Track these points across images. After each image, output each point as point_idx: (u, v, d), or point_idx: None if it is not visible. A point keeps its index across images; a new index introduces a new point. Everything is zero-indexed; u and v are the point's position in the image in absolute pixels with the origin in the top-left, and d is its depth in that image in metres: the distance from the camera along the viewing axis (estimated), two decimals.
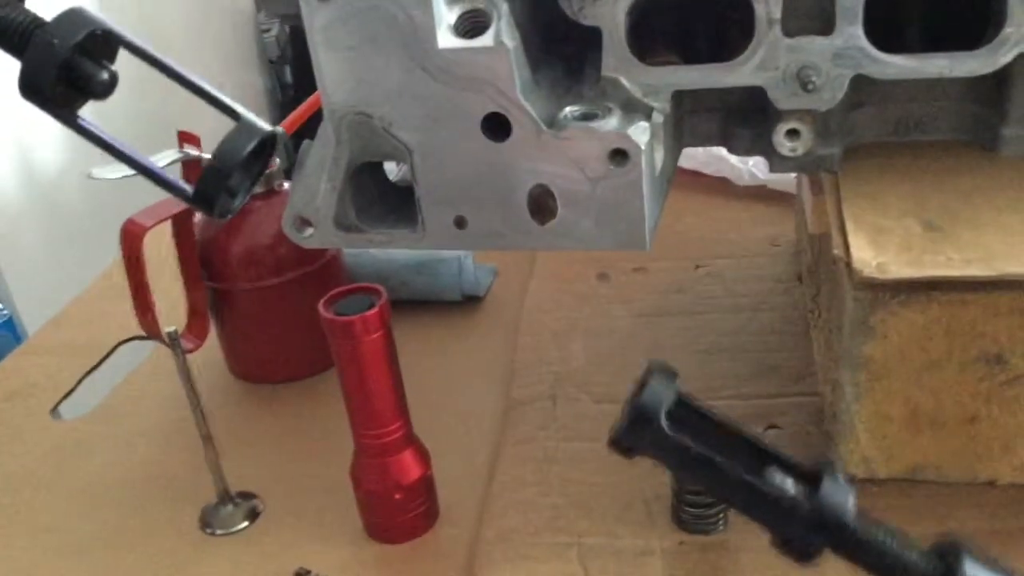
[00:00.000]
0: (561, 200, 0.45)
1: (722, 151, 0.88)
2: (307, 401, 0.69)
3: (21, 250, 1.53)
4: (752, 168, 0.86)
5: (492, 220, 0.47)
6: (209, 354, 0.71)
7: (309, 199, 0.48)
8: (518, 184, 0.45)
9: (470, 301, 0.78)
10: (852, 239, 0.44)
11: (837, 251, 0.45)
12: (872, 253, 0.44)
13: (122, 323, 0.64)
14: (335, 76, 0.44)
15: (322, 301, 0.51)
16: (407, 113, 0.44)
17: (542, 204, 0.46)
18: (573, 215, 0.45)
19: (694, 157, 0.88)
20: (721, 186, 0.88)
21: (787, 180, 0.84)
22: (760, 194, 0.86)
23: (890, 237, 0.45)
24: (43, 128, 1.47)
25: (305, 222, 0.48)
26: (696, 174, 0.89)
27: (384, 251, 0.79)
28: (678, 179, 0.90)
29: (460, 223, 0.47)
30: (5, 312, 1.36)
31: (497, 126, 0.44)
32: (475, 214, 0.47)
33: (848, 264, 0.44)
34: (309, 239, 0.48)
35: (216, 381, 0.72)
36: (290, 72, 2.48)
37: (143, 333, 0.65)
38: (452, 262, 0.77)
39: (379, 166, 0.49)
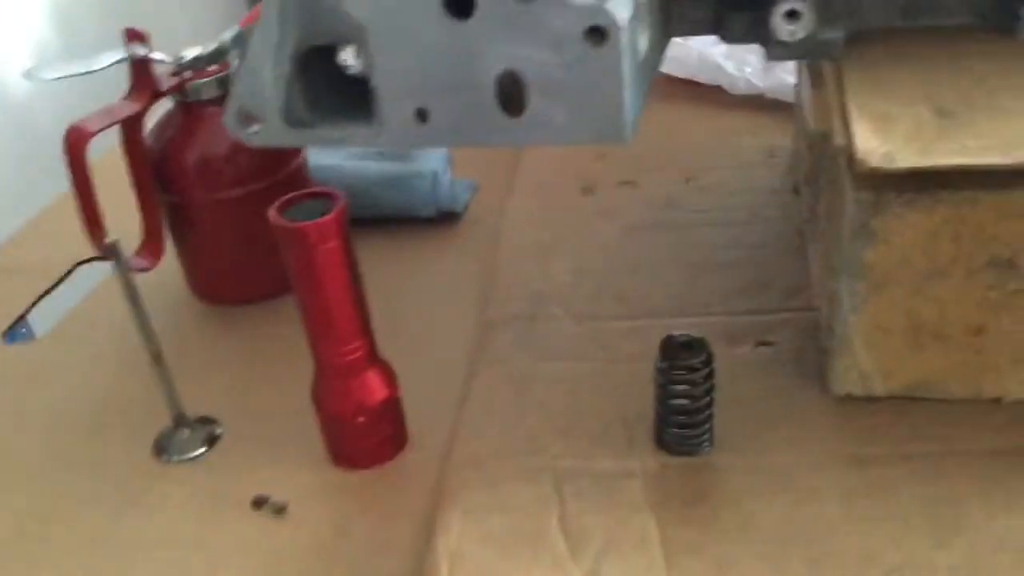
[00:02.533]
0: (533, 87, 0.40)
1: (717, 58, 0.84)
2: (271, 323, 0.65)
3: None
4: (748, 76, 0.81)
5: (457, 112, 0.42)
6: (169, 275, 0.67)
7: (254, 90, 0.43)
8: (485, 69, 0.40)
9: (447, 218, 0.74)
10: (856, 127, 0.39)
11: (839, 141, 0.40)
12: (878, 142, 0.39)
13: (83, 244, 0.60)
14: None
15: (273, 206, 0.46)
16: None
17: (513, 93, 0.41)
18: (547, 105, 0.41)
19: (687, 64, 0.83)
20: (715, 95, 0.83)
21: (785, 89, 0.79)
22: (756, 103, 0.81)
23: (898, 125, 0.40)
24: (10, 47, 1.41)
25: (250, 117, 0.43)
26: (689, 82, 0.84)
27: (353, 164, 0.74)
28: (669, 89, 0.85)
29: (422, 116, 0.42)
30: None
31: (460, 0, 0.39)
32: (438, 106, 0.42)
33: (851, 155, 0.39)
34: (254, 136, 0.44)
35: (176, 303, 0.68)
36: None
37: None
38: (427, 176, 0.72)
39: (331, 53, 0.44)
